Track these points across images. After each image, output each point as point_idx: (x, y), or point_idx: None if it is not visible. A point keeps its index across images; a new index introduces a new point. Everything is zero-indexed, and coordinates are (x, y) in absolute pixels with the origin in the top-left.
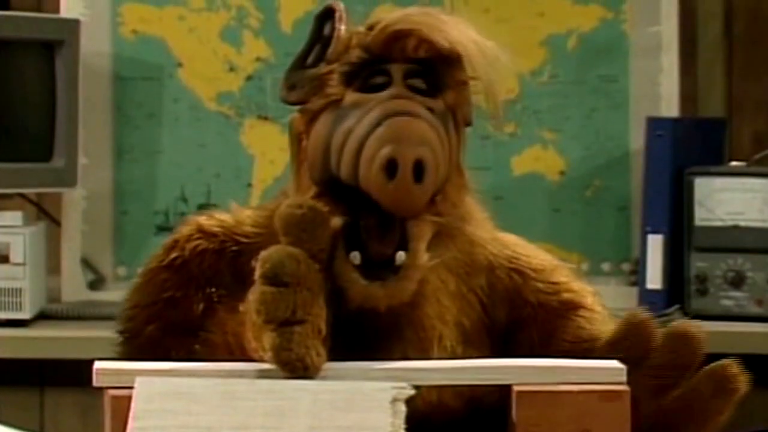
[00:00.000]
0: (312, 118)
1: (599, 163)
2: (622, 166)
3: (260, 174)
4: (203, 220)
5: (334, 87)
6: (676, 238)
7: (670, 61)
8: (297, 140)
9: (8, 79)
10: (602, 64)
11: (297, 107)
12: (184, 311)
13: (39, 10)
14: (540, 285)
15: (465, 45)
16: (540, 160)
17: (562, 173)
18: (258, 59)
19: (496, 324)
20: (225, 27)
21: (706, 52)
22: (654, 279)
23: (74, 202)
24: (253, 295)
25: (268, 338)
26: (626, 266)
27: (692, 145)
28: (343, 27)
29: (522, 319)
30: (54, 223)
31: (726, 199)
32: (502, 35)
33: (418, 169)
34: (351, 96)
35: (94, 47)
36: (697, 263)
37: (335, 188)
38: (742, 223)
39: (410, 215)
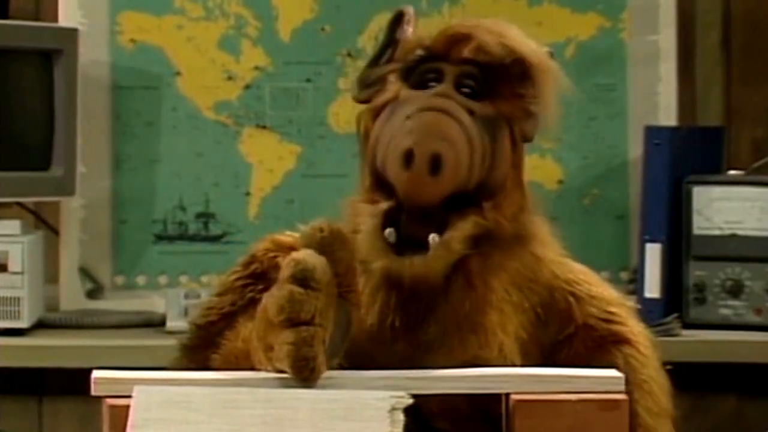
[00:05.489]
0: (376, 114)
1: (597, 171)
2: (621, 175)
3: (258, 182)
4: (278, 236)
5: (393, 84)
6: (675, 246)
7: (668, 69)
8: (364, 136)
9: (7, 88)
10: (600, 73)
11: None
12: None
13: (37, 19)
14: (593, 310)
15: (526, 55)
16: (538, 168)
17: (560, 182)
18: (256, 68)
19: (547, 342)
20: (223, 36)
21: (704, 60)
22: (652, 288)
23: (72, 210)
24: (277, 292)
25: (288, 334)
26: (624, 275)
27: (690, 154)
28: (410, 29)
29: (565, 337)
30: (52, 232)
31: (724, 208)
32: None
33: (435, 163)
34: (404, 92)
35: (93, 56)
36: (696, 272)
37: (381, 180)
38: (741, 232)
39: (423, 205)
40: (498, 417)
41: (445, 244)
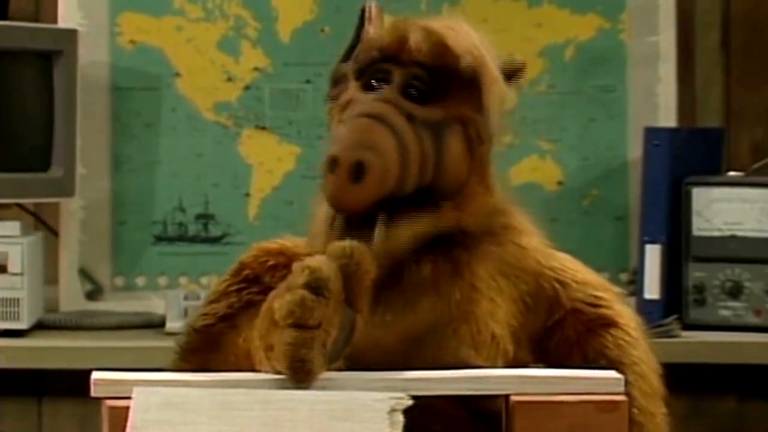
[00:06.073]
0: (342, 111)
1: (597, 173)
2: (620, 176)
3: (258, 183)
4: (264, 244)
5: (351, 82)
6: (674, 248)
7: (667, 70)
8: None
9: (6, 90)
10: (600, 74)
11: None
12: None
13: (37, 21)
14: (579, 295)
15: (461, 56)
16: (537, 169)
17: (559, 183)
18: (256, 69)
19: (537, 330)
20: (223, 37)
21: (703, 61)
22: (652, 289)
23: (72, 212)
24: (289, 296)
25: (288, 335)
26: (624, 276)
27: (690, 155)
28: (371, 27)
29: (554, 323)
30: (52, 233)
31: (724, 209)
32: (500, 45)
33: (358, 171)
34: (356, 94)
35: (92, 57)
36: (695, 273)
37: None
38: (740, 233)
39: (347, 212)
40: (489, 414)
41: (390, 237)
